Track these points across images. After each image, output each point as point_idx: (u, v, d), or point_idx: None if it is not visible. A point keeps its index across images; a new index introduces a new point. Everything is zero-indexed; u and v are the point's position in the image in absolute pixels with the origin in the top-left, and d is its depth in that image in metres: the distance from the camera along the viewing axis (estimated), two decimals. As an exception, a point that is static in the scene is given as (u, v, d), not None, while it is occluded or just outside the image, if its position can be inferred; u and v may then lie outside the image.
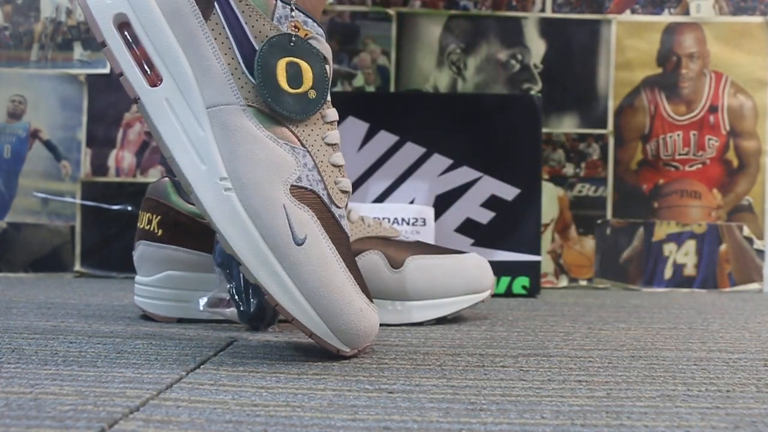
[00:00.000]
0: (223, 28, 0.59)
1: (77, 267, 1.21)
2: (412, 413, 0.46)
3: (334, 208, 0.61)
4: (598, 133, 1.24)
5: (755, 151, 1.24)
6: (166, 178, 0.81)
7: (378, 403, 0.48)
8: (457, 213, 1.11)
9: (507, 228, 1.11)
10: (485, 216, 1.11)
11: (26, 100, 1.22)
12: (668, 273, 1.23)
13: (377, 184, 1.11)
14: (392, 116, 1.12)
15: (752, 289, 1.23)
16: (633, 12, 1.25)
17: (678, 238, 1.24)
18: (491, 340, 0.72)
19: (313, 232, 0.58)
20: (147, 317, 0.81)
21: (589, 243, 1.24)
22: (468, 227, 1.11)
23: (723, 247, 1.23)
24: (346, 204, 0.63)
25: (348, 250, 0.61)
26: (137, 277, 0.82)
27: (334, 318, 0.58)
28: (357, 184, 1.12)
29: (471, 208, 1.11)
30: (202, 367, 0.57)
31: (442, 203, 1.10)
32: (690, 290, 1.23)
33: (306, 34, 0.61)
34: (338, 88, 1.23)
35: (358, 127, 1.13)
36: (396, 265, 0.80)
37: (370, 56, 1.24)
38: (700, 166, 1.24)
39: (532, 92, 1.24)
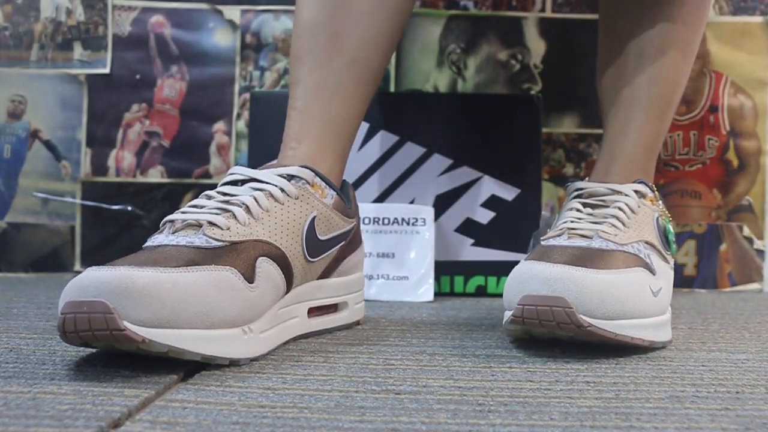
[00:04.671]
0: None
1: (77, 267, 1.20)
2: (420, 415, 0.46)
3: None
4: (598, 133, 1.24)
5: (755, 151, 1.24)
6: None
7: (386, 405, 0.48)
8: (457, 213, 1.10)
9: (507, 228, 1.10)
10: (485, 216, 1.11)
11: (26, 100, 1.21)
12: (668, 273, 1.23)
13: (377, 184, 1.10)
14: (392, 116, 1.11)
15: (752, 289, 1.23)
16: (633, 12, 1.24)
17: (678, 238, 1.23)
18: (495, 340, 0.72)
19: None
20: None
21: (589, 243, 1.24)
22: (468, 227, 1.10)
23: (723, 247, 1.23)
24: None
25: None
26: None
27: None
28: (357, 184, 1.11)
29: (471, 208, 1.11)
30: (207, 368, 0.57)
31: (442, 203, 1.10)
32: (690, 290, 1.23)
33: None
34: (338, 88, 1.22)
35: (358, 127, 1.12)
36: None
37: (370, 56, 1.24)
38: (700, 166, 1.24)
39: (532, 92, 1.24)
